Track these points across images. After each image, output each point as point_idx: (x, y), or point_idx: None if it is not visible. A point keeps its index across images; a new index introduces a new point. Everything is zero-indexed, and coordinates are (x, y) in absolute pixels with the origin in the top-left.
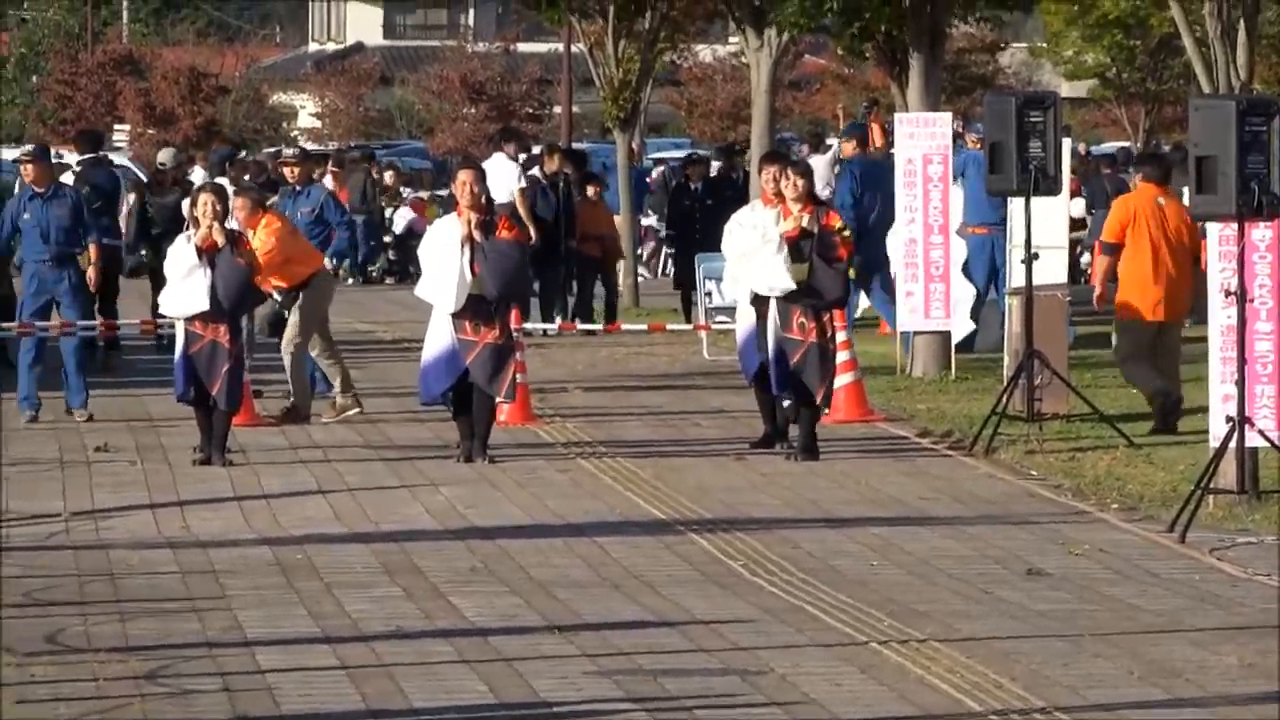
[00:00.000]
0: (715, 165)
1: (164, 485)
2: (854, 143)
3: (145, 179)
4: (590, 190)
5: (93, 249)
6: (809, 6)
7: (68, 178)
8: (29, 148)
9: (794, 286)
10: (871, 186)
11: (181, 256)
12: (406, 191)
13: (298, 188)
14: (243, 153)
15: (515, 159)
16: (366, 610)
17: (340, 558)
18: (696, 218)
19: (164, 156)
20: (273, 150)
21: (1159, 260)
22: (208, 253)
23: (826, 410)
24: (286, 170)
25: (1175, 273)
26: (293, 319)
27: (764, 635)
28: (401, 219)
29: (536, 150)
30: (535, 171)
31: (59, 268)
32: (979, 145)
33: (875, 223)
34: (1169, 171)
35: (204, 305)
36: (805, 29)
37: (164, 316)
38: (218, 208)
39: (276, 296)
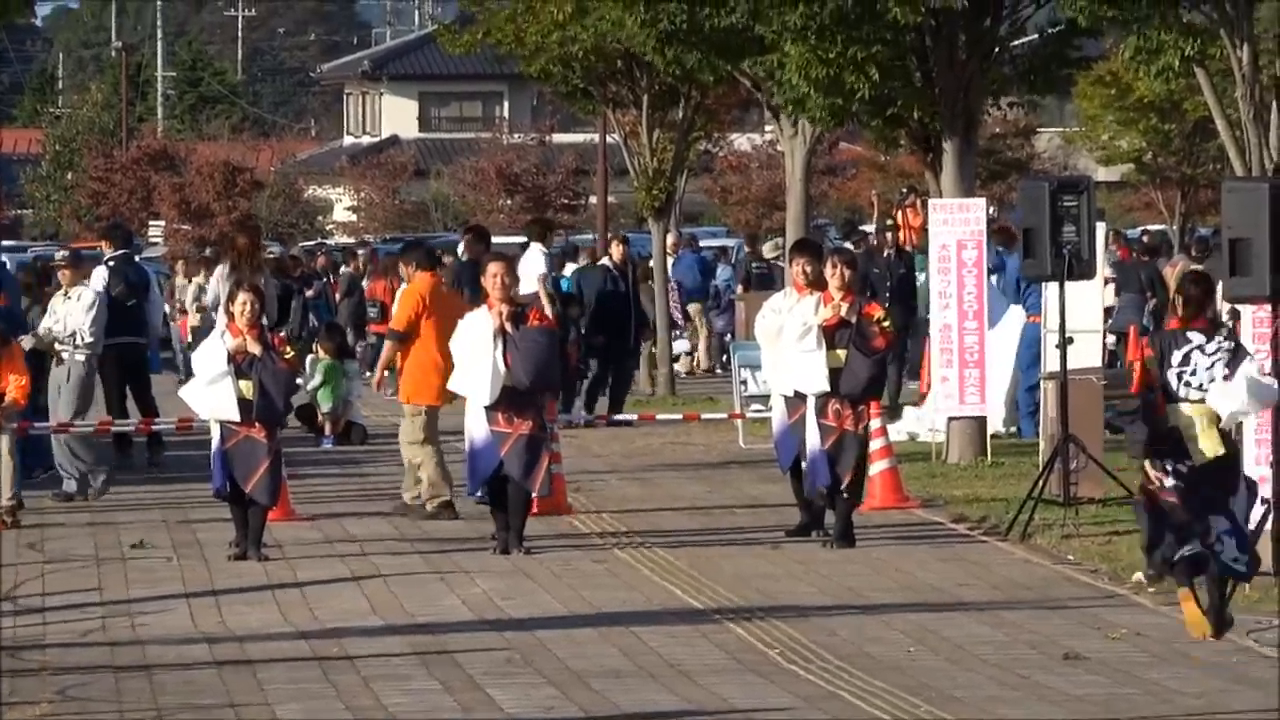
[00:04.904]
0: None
1: (200, 580)
2: None
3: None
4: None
5: None
6: (837, 101)
7: (101, 272)
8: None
9: (828, 388)
10: None
11: (213, 357)
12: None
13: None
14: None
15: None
16: (404, 704)
17: (377, 650)
18: None
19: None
20: (310, 244)
21: (443, 347)
22: (243, 362)
23: (862, 498)
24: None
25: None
26: None
27: None
28: None
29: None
30: (605, 261)
31: None
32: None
33: None
34: (439, 258)
35: (233, 415)
36: (834, 123)
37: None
38: (257, 310)
39: None
